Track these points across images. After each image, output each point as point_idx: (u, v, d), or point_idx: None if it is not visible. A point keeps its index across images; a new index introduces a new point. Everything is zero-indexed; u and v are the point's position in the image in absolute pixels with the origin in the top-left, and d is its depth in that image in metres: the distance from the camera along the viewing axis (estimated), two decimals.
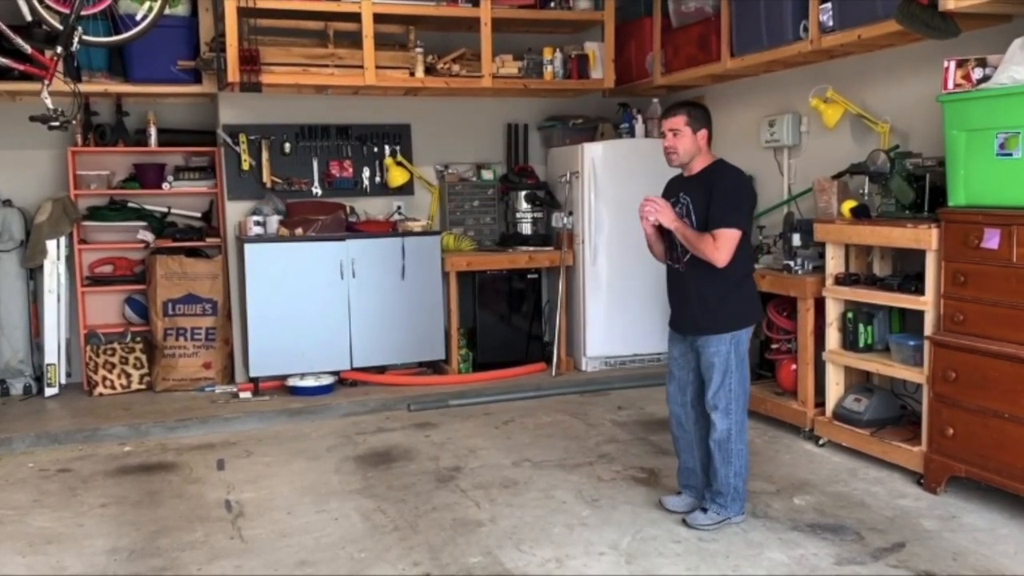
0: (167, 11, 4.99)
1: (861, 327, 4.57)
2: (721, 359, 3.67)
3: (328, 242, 6.03)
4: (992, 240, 3.72)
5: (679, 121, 3.68)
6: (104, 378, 6.06)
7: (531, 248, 6.57)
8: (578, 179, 6.38)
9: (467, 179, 6.83)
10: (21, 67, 4.55)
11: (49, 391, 6.00)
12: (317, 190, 6.42)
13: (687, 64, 5.98)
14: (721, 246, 3.57)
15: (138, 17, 4.70)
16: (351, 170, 6.49)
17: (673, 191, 3.83)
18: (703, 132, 3.71)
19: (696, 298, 3.71)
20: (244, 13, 5.60)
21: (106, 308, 6.44)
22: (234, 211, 6.26)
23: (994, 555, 3.41)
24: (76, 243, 6.18)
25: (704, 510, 3.76)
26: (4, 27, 4.34)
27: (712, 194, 3.62)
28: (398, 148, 6.58)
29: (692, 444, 3.87)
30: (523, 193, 6.66)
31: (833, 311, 4.68)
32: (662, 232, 3.80)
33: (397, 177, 6.52)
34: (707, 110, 3.81)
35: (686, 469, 3.93)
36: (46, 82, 4.46)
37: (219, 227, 6.39)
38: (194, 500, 4.23)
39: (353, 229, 6.25)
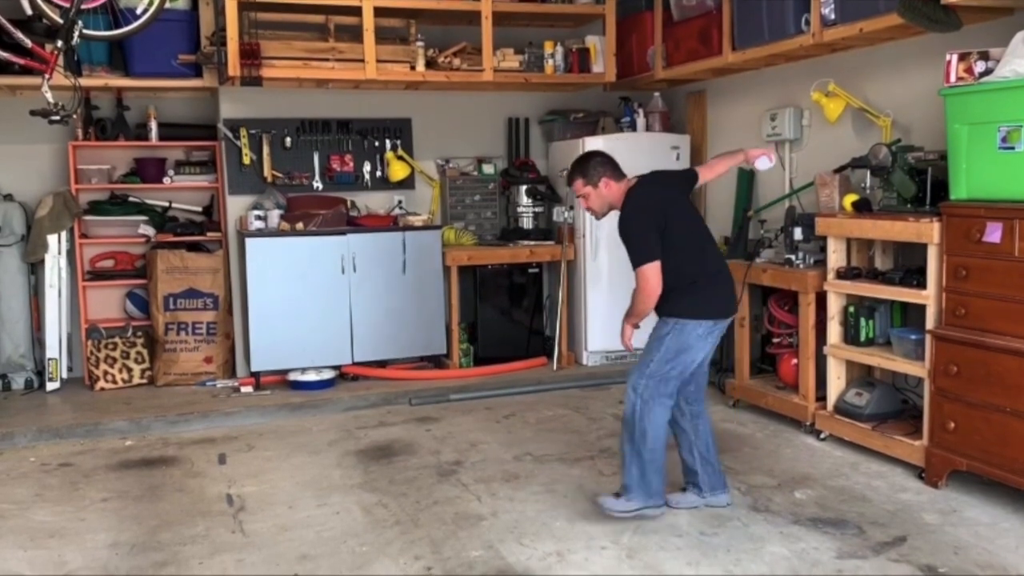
0: (167, 5, 4.98)
1: (862, 321, 4.56)
2: (655, 334, 3.73)
3: (329, 236, 6.03)
4: (994, 234, 3.71)
5: (578, 186, 3.83)
6: (105, 372, 6.07)
7: (532, 242, 6.56)
8: None
9: (468, 173, 6.82)
10: (21, 61, 4.55)
11: (50, 385, 6.01)
12: (318, 184, 6.42)
13: (688, 58, 5.97)
14: (641, 287, 3.65)
15: (138, 11, 4.69)
16: (352, 164, 6.48)
17: None
18: (604, 180, 3.78)
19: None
20: (244, 7, 5.60)
21: (107, 303, 6.44)
22: (235, 205, 6.25)
23: (995, 549, 3.41)
24: (77, 238, 6.17)
25: (617, 495, 3.73)
26: (4, 21, 4.33)
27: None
28: (399, 142, 6.58)
29: (691, 443, 3.86)
30: (524, 187, 6.65)
31: (834, 305, 4.68)
32: None
33: (398, 171, 6.52)
34: (597, 153, 3.88)
35: (688, 469, 3.90)
36: (46, 76, 4.45)
37: (220, 221, 6.38)
38: (195, 494, 4.24)
39: (354, 223, 6.25)
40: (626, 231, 3.69)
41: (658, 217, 3.66)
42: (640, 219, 3.68)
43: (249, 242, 5.88)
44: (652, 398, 3.65)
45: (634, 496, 3.67)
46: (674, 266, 3.64)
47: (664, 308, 3.72)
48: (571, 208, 6.43)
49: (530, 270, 6.63)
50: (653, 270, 3.60)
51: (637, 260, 3.63)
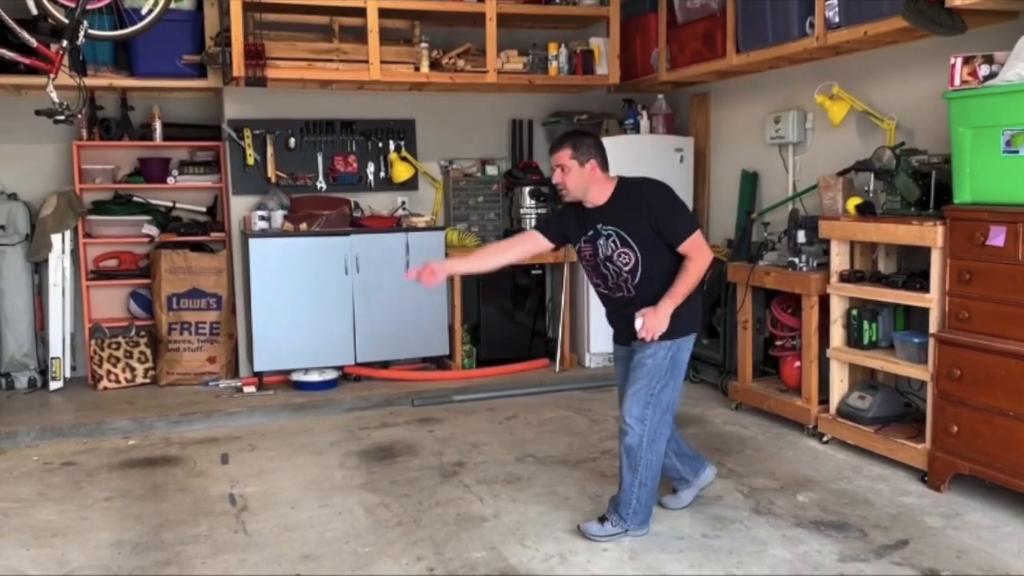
0: (172, 5, 4.97)
1: (865, 324, 4.56)
2: (654, 361, 3.51)
3: (332, 237, 6.04)
4: (998, 238, 3.71)
5: (564, 156, 3.53)
6: (108, 372, 6.07)
7: None
8: None
9: (471, 175, 6.82)
10: (27, 61, 4.55)
11: (53, 385, 6.01)
12: (322, 185, 6.42)
13: (692, 60, 5.97)
14: (701, 252, 3.49)
15: (143, 11, 4.69)
16: (355, 165, 6.49)
17: (584, 224, 3.61)
18: (591, 164, 3.52)
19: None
20: (249, 8, 5.60)
21: (111, 302, 6.45)
22: (239, 206, 6.26)
23: (998, 553, 3.41)
24: (81, 237, 6.18)
25: (602, 520, 3.62)
26: (10, 21, 4.34)
27: (653, 214, 3.47)
28: (402, 143, 6.58)
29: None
30: (527, 189, 6.65)
31: (838, 308, 4.68)
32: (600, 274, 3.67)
33: (401, 172, 6.52)
34: (594, 136, 3.63)
35: (668, 471, 3.82)
36: (52, 76, 4.46)
37: (223, 222, 6.39)
38: (198, 494, 4.24)
39: (357, 224, 6.25)
40: (675, 201, 3.55)
41: None
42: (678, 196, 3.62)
43: (252, 242, 5.88)
44: (658, 428, 3.54)
45: (629, 522, 3.57)
46: (670, 268, 3.52)
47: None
48: None
49: (533, 272, 6.63)
50: (701, 236, 3.52)
51: (691, 227, 3.51)
